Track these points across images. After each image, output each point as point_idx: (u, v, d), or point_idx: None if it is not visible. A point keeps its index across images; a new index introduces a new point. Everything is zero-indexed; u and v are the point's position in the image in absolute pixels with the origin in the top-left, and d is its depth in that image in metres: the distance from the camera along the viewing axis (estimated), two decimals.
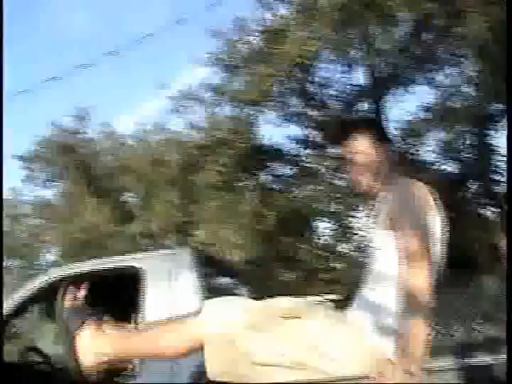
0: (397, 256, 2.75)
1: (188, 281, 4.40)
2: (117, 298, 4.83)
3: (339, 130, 3.46)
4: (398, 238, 2.77)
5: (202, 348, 2.73)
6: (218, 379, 2.71)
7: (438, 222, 2.90)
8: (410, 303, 2.58)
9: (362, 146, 3.06)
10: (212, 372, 2.71)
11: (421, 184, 2.91)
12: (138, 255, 4.80)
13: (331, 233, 18.43)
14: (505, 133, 14.78)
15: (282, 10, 15.24)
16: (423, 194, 2.87)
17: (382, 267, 2.85)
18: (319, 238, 18.95)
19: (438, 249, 2.89)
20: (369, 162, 3.03)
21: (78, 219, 21.47)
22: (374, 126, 3.25)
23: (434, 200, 2.87)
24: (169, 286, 4.39)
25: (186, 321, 2.92)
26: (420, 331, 2.52)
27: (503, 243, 14.31)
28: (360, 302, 2.91)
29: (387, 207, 2.88)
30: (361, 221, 16.80)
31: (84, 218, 21.42)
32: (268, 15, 15.42)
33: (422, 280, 2.59)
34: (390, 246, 2.81)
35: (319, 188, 16.32)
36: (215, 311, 2.82)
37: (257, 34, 15.44)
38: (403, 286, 2.64)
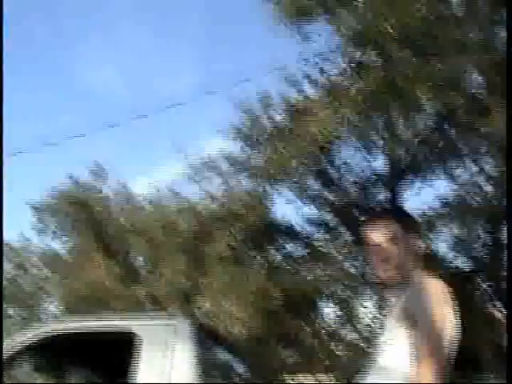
0: (407, 352, 2.70)
1: (184, 353, 4.27)
2: (109, 360, 4.71)
3: (371, 216, 3.36)
4: (411, 335, 2.72)
5: None
6: None
7: (452, 322, 2.81)
8: None
9: (391, 235, 2.99)
10: None
11: (438, 281, 2.84)
12: (137, 320, 4.63)
13: (337, 318, 18.23)
14: None
15: (309, 90, 15.38)
16: (440, 291, 2.78)
17: (389, 361, 2.79)
18: (324, 322, 18.76)
19: (450, 349, 2.78)
20: (395, 251, 2.96)
21: (84, 275, 21.38)
22: (404, 216, 3.18)
23: (450, 298, 2.80)
24: (164, 356, 4.26)
25: None
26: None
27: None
28: None
29: (404, 302, 2.83)
30: (369, 310, 16.64)
31: (90, 275, 21.33)
32: (294, 93, 15.57)
33: (428, 380, 2.53)
34: (402, 341, 2.75)
35: (329, 272, 16.18)
36: None
37: (281, 111, 15.56)
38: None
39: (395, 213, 3.30)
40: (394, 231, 3.00)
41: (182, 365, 4.16)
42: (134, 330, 4.33)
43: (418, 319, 2.72)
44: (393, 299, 3.00)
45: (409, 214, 3.34)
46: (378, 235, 3.03)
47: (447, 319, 2.74)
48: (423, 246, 3.21)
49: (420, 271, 2.92)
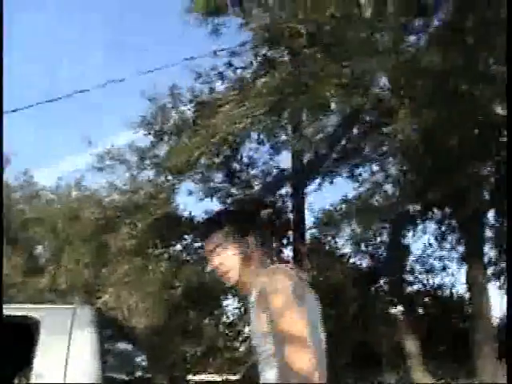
0: (274, 339, 2.74)
1: (84, 338, 4.14)
2: (5, 349, 4.53)
3: (203, 229, 3.41)
4: (270, 321, 2.76)
5: None
6: None
7: (309, 307, 2.86)
8: None
9: (216, 244, 3.08)
10: None
11: (286, 269, 2.89)
12: (35, 306, 4.49)
13: (238, 312, 18.31)
14: (421, 235, 15.05)
15: (219, 85, 15.37)
16: (288, 278, 2.83)
17: (265, 351, 2.82)
18: (227, 317, 18.80)
19: (314, 333, 2.82)
20: (223, 258, 3.06)
21: None
22: (234, 221, 3.21)
23: (300, 283, 2.85)
24: (64, 341, 4.12)
25: None
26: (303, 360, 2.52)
27: (407, 343, 14.44)
28: None
29: (255, 295, 2.88)
30: None
31: None
32: (204, 88, 15.54)
33: (299, 362, 2.57)
34: (265, 329, 2.80)
35: None
36: None
37: (190, 104, 15.51)
38: (285, 370, 2.61)
39: (220, 220, 3.27)
40: (219, 240, 3.08)
41: (80, 350, 4.05)
42: (31, 314, 4.16)
43: (270, 306, 2.76)
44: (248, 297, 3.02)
45: (237, 217, 3.38)
46: (207, 244, 3.12)
47: (291, 301, 2.74)
48: (272, 243, 3.30)
49: (272, 266, 2.96)
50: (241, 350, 19.19)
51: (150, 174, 16.72)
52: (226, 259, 3.06)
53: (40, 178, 37.90)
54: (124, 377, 5.52)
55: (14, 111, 13.91)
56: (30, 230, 21.91)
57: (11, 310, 4.25)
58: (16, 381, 5.41)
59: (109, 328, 4.78)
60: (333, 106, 14.00)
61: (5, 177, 22.95)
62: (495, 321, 14.39)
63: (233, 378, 20.19)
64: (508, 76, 3.59)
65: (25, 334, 4.10)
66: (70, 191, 21.44)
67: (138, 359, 6.18)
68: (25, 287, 21.01)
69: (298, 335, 2.64)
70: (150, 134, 16.09)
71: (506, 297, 12.76)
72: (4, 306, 4.26)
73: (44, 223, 20.78)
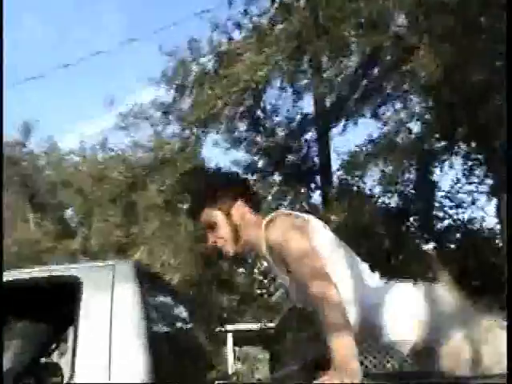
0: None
1: (125, 292, 4.19)
2: (51, 308, 4.60)
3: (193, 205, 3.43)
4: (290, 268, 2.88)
5: None
6: None
7: (324, 241, 2.97)
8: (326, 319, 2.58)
9: (212, 218, 3.14)
10: None
11: (285, 217, 3.03)
12: (75, 265, 4.33)
13: None
14: (447, 170, 15.00)
15: (237, 35, 15.34)
16: (289, 224, 2.94)
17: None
18: (260, 264, 18.95)
19: (340, 263, 2.94)
20: (222, 230, 3.13)
21: (15, 232, 21.13)
22: (220, 188, 3.22)
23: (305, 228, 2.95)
24: (107, 297, 4.17)
25: None
26: (341, 345, 2.48)
27: (440, 279, 14.45)
28: None
29: (264, 249, 3.01)
30: None
31: (21, 231, 21.09)
32: (223, 39, 15.52)
33: (326, 296, 2.60)
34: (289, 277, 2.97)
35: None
36: None
37: (210, 56, 15.51)
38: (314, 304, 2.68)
39: (216, 188, 3.24)
40: (207, 216, 3.16)
41: (124, 304, 4.10)
42: (72, 272, 4.07)
43: (283, 256, 2.88)
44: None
45: (234, 179, 3.39)
46: (203, 219, 3.18)
47: (304, 245, 2.84)
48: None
49: (273, 221, 3.01)
50: (276, 296, 19.40)
51: (174, 128, 16.79)
52: (218, 233, 3.12)
53: (65, 143, 38.09)
54: (165, 329, 5.63)
55: (32, 78, 14.00)
56: (58, 195, 22.09)
57: (48, 271, 4.22)
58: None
59: (148, 282, 4.85)
60: (352, 46, 13.96)
61: (29, 145, 23.17)
62: None
63: (269, 325, 20.44)
64: (507, 76, 3.57)
65: (66, 295, 3.99)
66: (95, 153, 21.53)
67: (177, 311, 6.29)
68: (57, 251, 21.24)
69: (320, 273, 2.71)
70: (171, 89, 16.14)
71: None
72: (41, 268, 4.29)
73: (72, 187, 20.92)
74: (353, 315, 2.79)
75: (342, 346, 2.45)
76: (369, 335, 2.95)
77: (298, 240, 2.84)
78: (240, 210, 3.12)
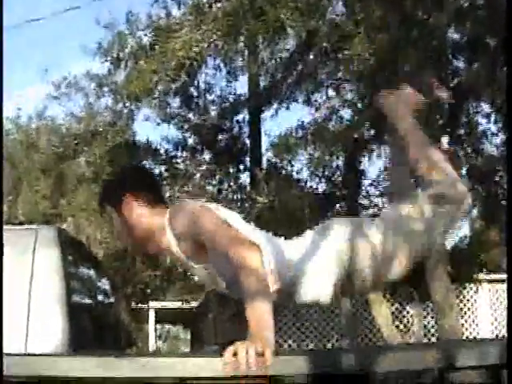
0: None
1: (50, 256, 4.14)
2: None
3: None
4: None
5: None
6: None
7: (231, 216, 3.04)
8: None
9: (123, 215, 3.09)
10: None
11: (187, 202, 3.19)
12: None
13: None
14: (375, 159, 15.20)
15: (176, 11, 15.29)
16: (196, 206, 3.00)
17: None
18: None
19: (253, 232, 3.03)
20: (138, 228, 3.08)
21: None
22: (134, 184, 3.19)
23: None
24: (28, 260, 4.12)
25: None
26: (257, 313, 2.47)
27: None
28: None
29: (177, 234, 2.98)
30: None
31: None
32: (161, 14, 15.44)
33: (247, 261, 2.57)
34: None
35: (187, 189, 16.32)
36: None
37: (147, 30, 15.43)
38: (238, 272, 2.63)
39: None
40: (121, 219, 3.11)
41: (44, 267, 4.05)
42: None
43: (196, 236, 2.91)
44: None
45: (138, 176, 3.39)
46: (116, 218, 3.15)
47: (216, 219, 2.87)
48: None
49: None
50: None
51: (107, 101, 16.72)
52: (133, 232, 3.09)
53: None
54: (87, 299, 5.60)
55: None
56: None
57: None
58: None
59: (72, 250, 4.81)
60: (288, 30, 14.03)
61: None
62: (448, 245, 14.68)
63: (192, 304, 20.45)
64: (508, 76, 3.67)
65: None
66: (29, 122, 21.19)
67: (100, 284, 6.26)
68: None
69: (238, 238, 2.71)
70: (107, 61, 16.01)
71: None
72: None
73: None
74: (272, 279, 2.81)
75: (257, 314, 2.44)
76: (288, 296, 3.02)
77: (208, 216, 2.87)
78: (131, 204, 3.09)
